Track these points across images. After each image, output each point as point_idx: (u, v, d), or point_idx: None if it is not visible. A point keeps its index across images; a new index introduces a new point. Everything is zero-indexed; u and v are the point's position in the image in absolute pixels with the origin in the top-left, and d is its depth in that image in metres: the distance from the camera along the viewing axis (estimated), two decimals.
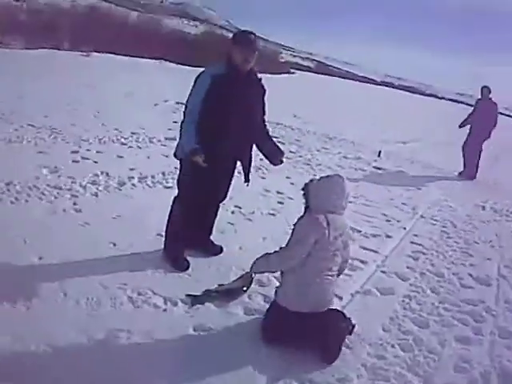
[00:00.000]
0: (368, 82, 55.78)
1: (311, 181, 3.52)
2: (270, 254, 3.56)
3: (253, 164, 4.30)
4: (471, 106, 11.98)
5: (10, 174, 5.52)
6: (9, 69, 13.42)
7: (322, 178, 3.53)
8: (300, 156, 9.36)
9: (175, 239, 4.26)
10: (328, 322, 3.35)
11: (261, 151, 4.33)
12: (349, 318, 3.51)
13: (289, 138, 10.96)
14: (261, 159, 7.62)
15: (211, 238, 4.60)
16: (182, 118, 3.93)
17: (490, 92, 10.23)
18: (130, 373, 2.81)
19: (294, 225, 3.49)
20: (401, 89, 58.04)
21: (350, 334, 3.51)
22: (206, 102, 3.82)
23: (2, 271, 3.71)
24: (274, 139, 4.44)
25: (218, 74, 3.85)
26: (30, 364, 2.84)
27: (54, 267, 3.71)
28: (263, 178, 7.18)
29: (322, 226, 3.30)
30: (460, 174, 10.34)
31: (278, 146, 4.36)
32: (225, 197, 4.42)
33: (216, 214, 4.51)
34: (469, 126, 10.50)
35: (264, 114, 4.26)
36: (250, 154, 4.25)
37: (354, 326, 3.52)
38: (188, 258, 4.27)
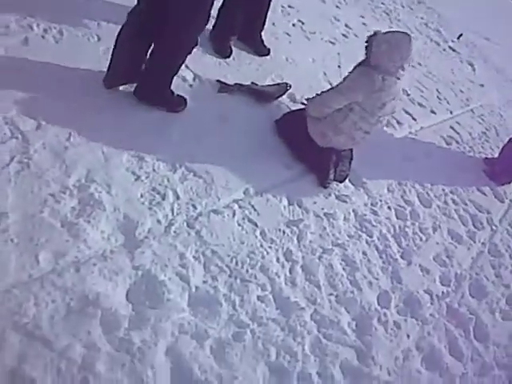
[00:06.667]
0: None
1: (375, 34, 3.15)
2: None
3: None
4: None
5: None
6: None
7: (388, 32, 3.14)
8: (382, 3, 8.64)
9: (227, 26, 4.07)
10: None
11: None
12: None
13: None
14: None
15: (263, 37, 4.39)
16: None
17: None
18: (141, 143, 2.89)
19: (349, 73, 3.26)
20: None
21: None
22: None
23: None
24: None
25: None
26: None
27: None
28: (338, 7, 6.68)
29: (373, 89, 3.04)
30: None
31: None
32: None
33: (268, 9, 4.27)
34: None
35: None
36: None
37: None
38: (233, 48, 4.12)
